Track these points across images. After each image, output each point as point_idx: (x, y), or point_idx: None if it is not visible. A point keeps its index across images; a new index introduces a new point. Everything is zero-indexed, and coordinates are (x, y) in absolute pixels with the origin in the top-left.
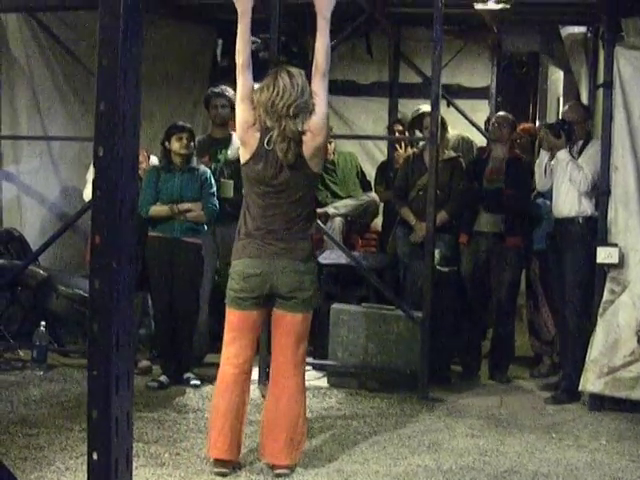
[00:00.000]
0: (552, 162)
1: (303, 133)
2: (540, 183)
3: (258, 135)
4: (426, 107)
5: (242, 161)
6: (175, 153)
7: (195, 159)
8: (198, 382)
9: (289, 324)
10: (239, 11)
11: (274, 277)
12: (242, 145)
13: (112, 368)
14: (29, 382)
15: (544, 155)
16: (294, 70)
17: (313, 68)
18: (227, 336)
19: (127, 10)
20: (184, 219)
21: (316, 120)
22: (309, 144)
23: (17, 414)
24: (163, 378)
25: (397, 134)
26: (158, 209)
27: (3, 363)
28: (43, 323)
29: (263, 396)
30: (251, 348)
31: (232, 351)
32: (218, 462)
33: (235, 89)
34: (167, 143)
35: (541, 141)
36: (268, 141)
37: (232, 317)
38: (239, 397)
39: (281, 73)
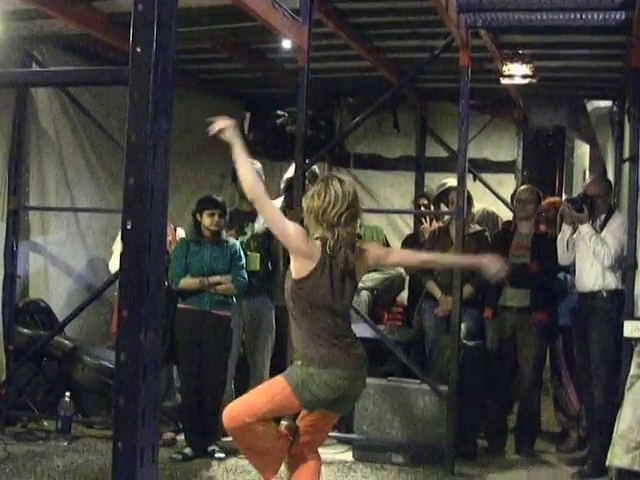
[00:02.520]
0: (574, 236)
1: (360, 251)
2: (562, 257)
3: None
4: (452, 181)
5: (305, 274)
6: (205, 228)
7: (224, 232)
8: (223, 455)
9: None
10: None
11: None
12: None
13: (137, 441)
14: (53, 453)
15: (566, 229)
16: (345, 178)
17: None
18: None
19: (157, 85)
20: (214, 292)
21: (378, 254)
22: (361, 265)
23: None
24: (187, 450)
25: (422, 208)
26: (189, 282)
27: (27, 433)
28: (68, 394)
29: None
30: None
31: None
32: None
33: (261, 162)
34: (198, 215)
35: (563, 215)
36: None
37: None
38: None
39: (332, 181)
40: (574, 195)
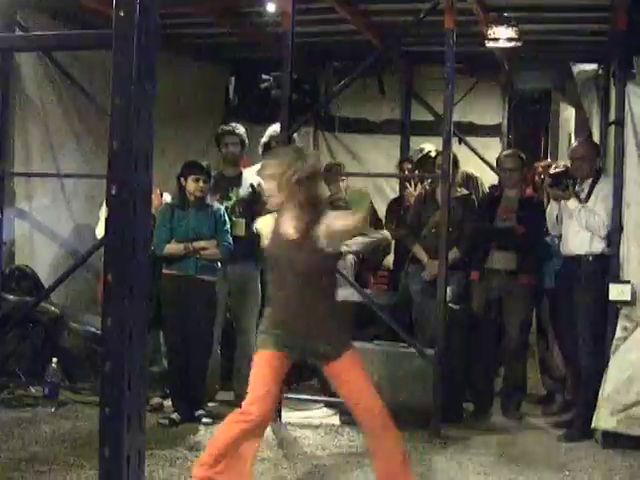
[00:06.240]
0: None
1: None
2: (553, 229)
3: None
4: (429, 146)
5: None
6: (190, 193)
7: (209, 196)
8: (210, 420)
9: None
10: None
11: None
12: None
13: (124, 406)
14: (40, 419)
15: (554, 205)
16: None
17: None
18: None
19: (140, 49)
20: (200, 257)
21: None
22: None
23: (28, 451)
24: (175, 415)
25: (406, 172)
26: (173, 247)
27: (14, 400)
28: (55, 360)
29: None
30: None
31: None
32: None
33: (246, 126)
34: (183, 180)
35: (548, 195)
36: None
37: None
38: None
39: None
40: (556, 169)
